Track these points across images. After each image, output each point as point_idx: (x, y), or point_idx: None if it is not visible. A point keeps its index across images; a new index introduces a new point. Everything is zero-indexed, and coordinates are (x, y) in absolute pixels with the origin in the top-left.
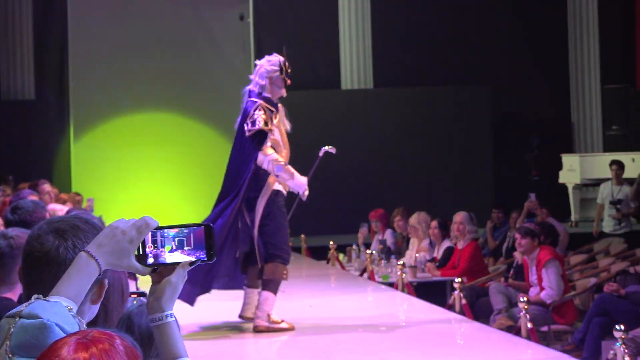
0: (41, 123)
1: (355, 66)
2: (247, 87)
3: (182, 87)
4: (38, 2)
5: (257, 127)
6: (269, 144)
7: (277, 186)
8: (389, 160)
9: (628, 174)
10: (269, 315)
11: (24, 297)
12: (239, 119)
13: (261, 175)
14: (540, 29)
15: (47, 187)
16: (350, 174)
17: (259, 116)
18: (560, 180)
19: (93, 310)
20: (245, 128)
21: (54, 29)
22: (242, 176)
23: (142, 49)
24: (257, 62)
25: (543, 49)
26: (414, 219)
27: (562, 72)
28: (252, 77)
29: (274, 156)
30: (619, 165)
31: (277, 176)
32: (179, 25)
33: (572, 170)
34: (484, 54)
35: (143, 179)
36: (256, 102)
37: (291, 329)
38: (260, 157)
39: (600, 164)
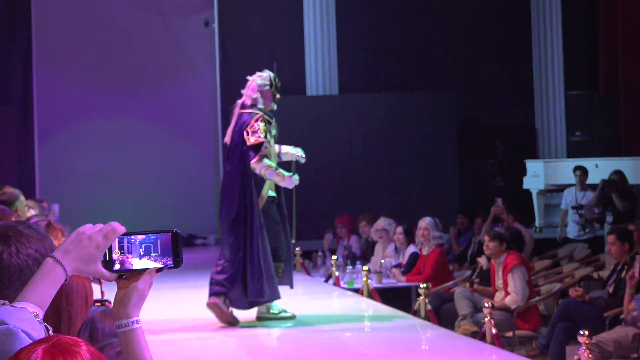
0: (5, 128)
1: (320, 72)
2: (240, 100)
3: (147, 93)
4: (2, 5)
5: (259, 137)
6: (263, 152)
7: (271, 192)
8: (355, 166)
9: (592, 179)
10: (268, 308)
11: None
12: (232, 129)
13: (258, 181)
14: (505, 35)
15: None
16: (315, 180)
17: (260, 127)
18: (525, 186)
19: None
20: (246, 136)
21: (18, 33)
22: (249, 183)
23: (108, 55)
24: (249, 77)
25: (507, 55)
26: (380, 224)
27: (526, 78)
28: (243, 91)
29: (266, 162)
30: (582, 171)
31: (269, 179)
32: (145, 30)
33: (536, 176)
34: (448, 60)
35: (109, 185)
36: (254, 113)
37: (293, 317)
38: (254, 164)
39: (564, 169)
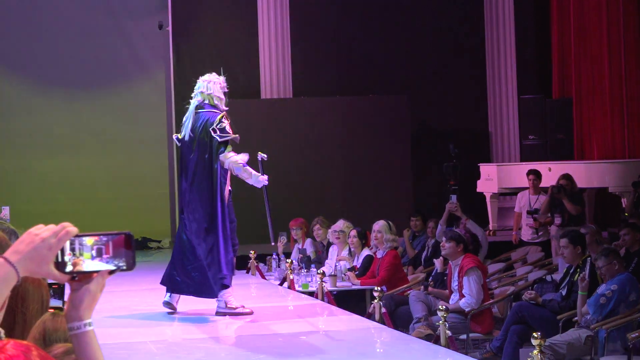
0: None
1: (274, 76)
2: (198, 100)
3: (100, 96)
4: None
5: (230, 133)
6: (231, 147)
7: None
8: (309, 170)
9: (545, 183)
10: (226, 303)
11: None
12: (191, 127)
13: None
14: (458, 38)
15: None
16: (269, 183)
17: (227, 124)
18: (478, 189)
19: None
20: (214, 134)
21: None
22: (218, 177)
23: (59, 57)
24: (203, 78)
25: (460, 59)
26: (338, 225)
27: (480, 82)
28: (203, 91)
29: (234, 158)
30: (535, 175)
31: (236, 175)
32: (98, 33)
33: (489, 179)
34: (402, 63)
35: (62, 188)
36: (218, 112)
37: (250, 313)
38: (222, 158)
39: (517, 173)
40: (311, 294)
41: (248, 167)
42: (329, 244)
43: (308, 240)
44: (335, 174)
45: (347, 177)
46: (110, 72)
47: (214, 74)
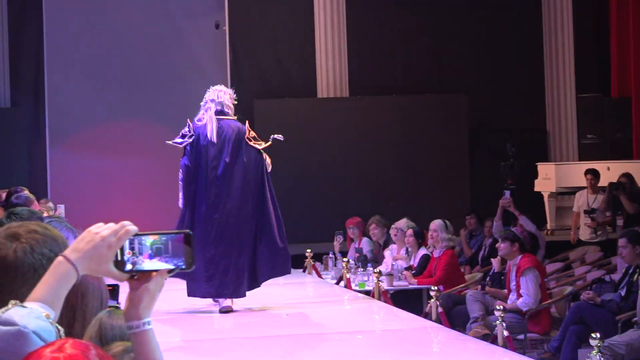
0: (16, 131)
1: (331, 75)
2: (216, 107)
3: (156, 97)
4: (14, 6)
5: (261, 141)
6: None
7: None
8: (366, 169)
9: (603, 182)
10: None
11: None
12: (217, 131)
13: None
14: (516, 37)
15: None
16: (326, 183)
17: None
18: (536, 189)
19: (57, 315)
20: (251, 143)
21: (29, 34)
22: (257, 180)
23: (117, 58)
24: (214, 88)
25: (518, 58)
26: (400, 223)
27: (538, 80)
28: (214, 99)
29: (268, 161)
30: (593, 174)
31: None
32: (154, 34)
33: (547, 178)
34: (460, 62)
35: (119, 188)
36: (239, 122)
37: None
38: (269, 163)
39: (575, 172)
40: (368, 293)
41: None
42: (386, 243)
43: (364, 240)
44: (392, 173)
45: (403, 176)
46: (165, 73)
47: (222, 85)
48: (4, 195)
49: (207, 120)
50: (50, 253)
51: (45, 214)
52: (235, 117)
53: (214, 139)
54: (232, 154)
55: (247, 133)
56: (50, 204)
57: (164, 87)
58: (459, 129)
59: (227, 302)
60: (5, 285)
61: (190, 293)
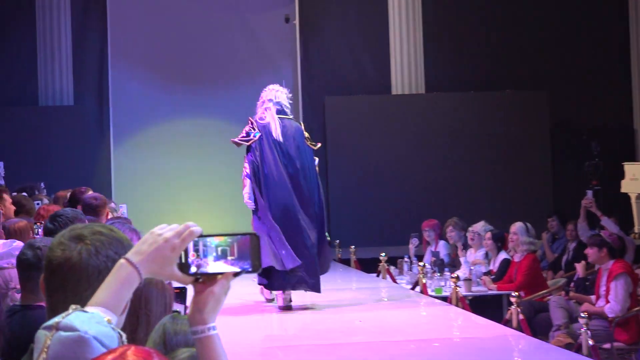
0: (80, 129)
1: (406, 70)
2: (276, 107)
3: (225, 92)
4: (77, 3)
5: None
6: None
7: None
8: (442, 168)
9: None
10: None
11: (47, 306)
12: (282, 131)
13: None
14: (600, 31)
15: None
16: (401, 182)
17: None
18: (622, 190)
19: (120, 320)
20: (308, 143)
21: (92, 31)
22: (315, 178)
23: (184, 53)
24: (270, 87)
25: (603, 53)
26: (477, 226)
27: (624, 77)
28: (271, 98)
29: (317, 162)
30: None
31: None
32: (223, 28)
33: (635, 179)
34: (541, 58)
35: (184, 187)
36: (296, 121)
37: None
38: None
39: None
40: (444, 299)
41: None
42: (464, 247)
43: (441, 243)
44: (469, 173)
45: (482, 176)
46: (233, 68)
47: (277, 85)
48: (68, 194)
49: (269, 119)
50: (115, 255)
51: (109, 215)
52: (292, 117)
53: (280, 138)
54: (296, 152)
55: (306, 134)
56: (113, 204)
57: (231, 83)
58: (539, 127)
59: (286, 299)
60: (69, 288)
61: (264, 283)
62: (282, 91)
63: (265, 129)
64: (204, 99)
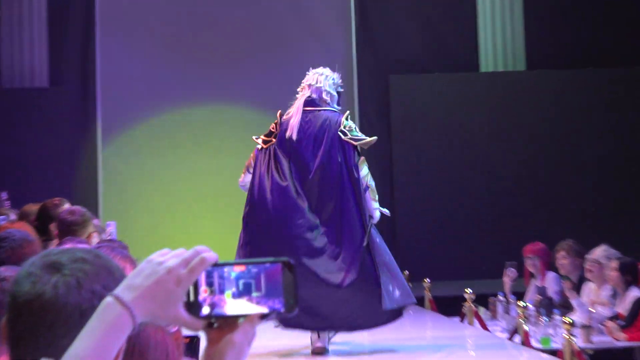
0: (57, 120)
1: (499, 43)
2: (311, 97)
3: (252, 72)
4: None
5: (364, 136)
6: None
7: None
8: (548, 171)
9: None
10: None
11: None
12: (307, 129)
13: None
14: None
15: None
16: (490, 189)
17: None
18: None
19: None
20: (346, 138)
21: None
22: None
23: (197, 20)
24: (315, 70)
25: None
26: (596, 253)
27: None
28: (311, 83)
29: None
30: None
31: None
32: None
33: None
34: None
35: (195, 199)
36: (336, 111)
37: None
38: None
39: None
40: (554, 352)
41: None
42: (582, 281)
43: (550, 274)
44: (586, 176)
45: (605, 181)
46: (269, 43)
47: (327, 68)
48: (35, 208)
49: (293, 112)
50: (104, 290)
51: (92, 237)
52: (335, 108)
53: (293, 136)
54: (313, 153)
55: (341, 125)
56: (96, 221)
57: (260, 59)
58: None
59: (320, 340)
60: (41, 334)
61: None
62: (329, 76)
63: (286, 126)
64: (224, 80)
